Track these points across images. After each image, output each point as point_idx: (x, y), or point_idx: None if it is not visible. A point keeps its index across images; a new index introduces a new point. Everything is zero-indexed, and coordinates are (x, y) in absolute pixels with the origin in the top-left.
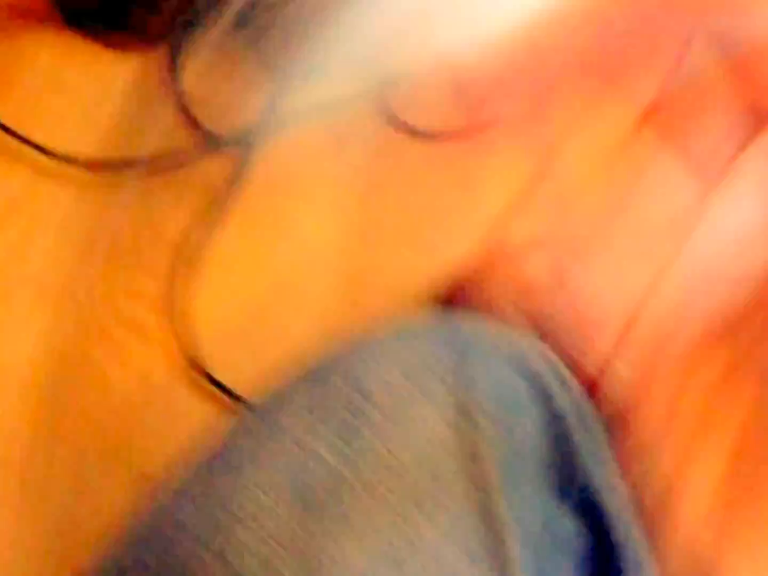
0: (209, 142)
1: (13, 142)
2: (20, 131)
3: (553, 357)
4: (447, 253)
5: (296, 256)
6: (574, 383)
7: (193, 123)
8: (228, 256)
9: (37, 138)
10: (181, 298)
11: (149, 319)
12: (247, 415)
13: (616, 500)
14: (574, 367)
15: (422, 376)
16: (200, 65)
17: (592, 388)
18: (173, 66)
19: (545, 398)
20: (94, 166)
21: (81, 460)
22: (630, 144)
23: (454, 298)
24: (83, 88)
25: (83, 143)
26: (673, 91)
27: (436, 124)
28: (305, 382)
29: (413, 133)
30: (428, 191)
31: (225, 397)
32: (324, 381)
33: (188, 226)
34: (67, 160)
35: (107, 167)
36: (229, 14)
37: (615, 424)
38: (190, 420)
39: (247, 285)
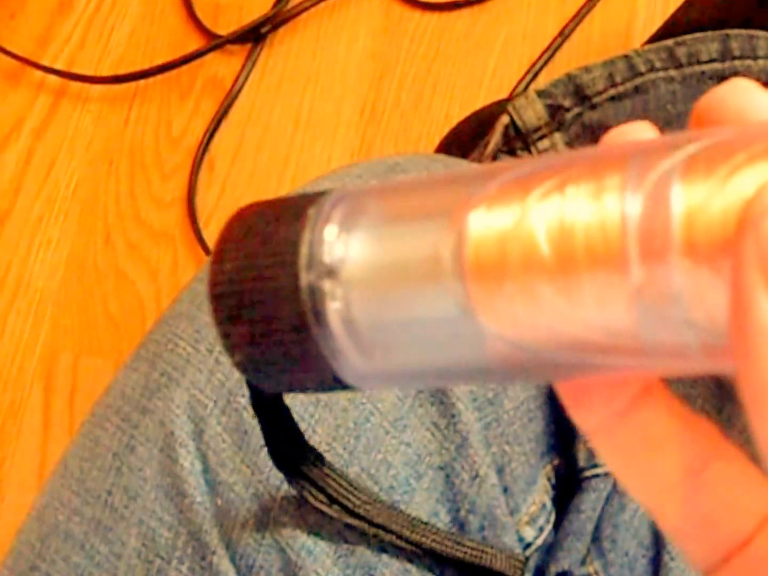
0: (217, 42)
1: (36, 72)
2: (37, 60)
3: None
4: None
5: (312, 144)
6: None
7: (200, 26)
8: (240, 149)
9: (57, 64)
10: (202, 200)
11: (174, 225)
12: None
13: None
14: None
15: None
16: None
17: None
18: None
19: None
20: (112, 81)
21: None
22: None
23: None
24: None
25: (101, 62)
26: None
27: None
28: None
29: (424, 6)
30: (441, 62)
31: None
32: None
33: (203, 130)
34: (87, 80)
35: (124, 81)
36: None
37: None
38: None
39: (261, 176)
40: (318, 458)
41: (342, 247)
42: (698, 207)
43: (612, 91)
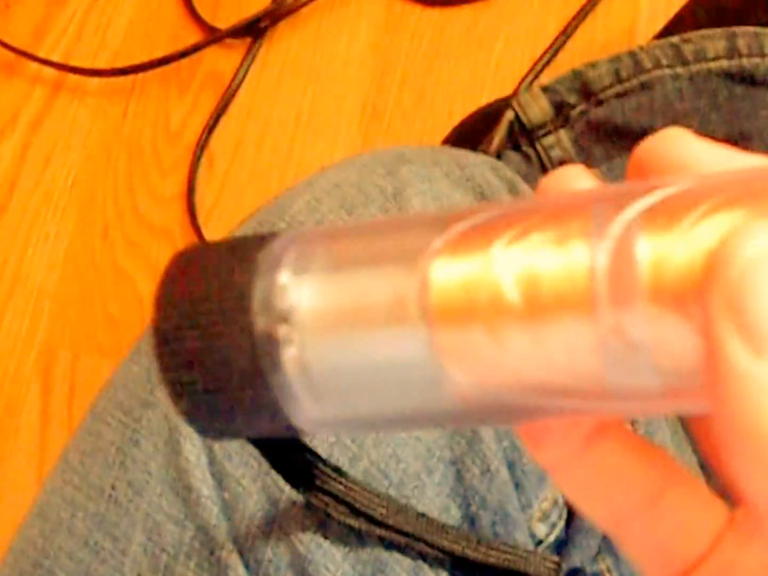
0: (216, 36)
1: (32, 64)
2: (33, 52)
3: (510, 174)
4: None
5: (313, 140)
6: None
7: (199, 20)
8: (240, 145)
9: (54, 56)
10: (201, 196)
11: (173, 222)
12: None
13: None
14: None
15: (363, 210)
16: None
17: None
18: None
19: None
20: (109, 74)
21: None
22: None
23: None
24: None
25: (98, 56)
26: None
27: None
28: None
29: (425, 1)
30: (443, 59)
31: None
32: (256, 219)
33: (202, 124)
34: (84, 72)
35: (122, 74)
36: None
37: None
38: None
39: (261, 172)
40: (336, 470)
41: (296, 291)
42: (664, 255)
43: (618, 88)
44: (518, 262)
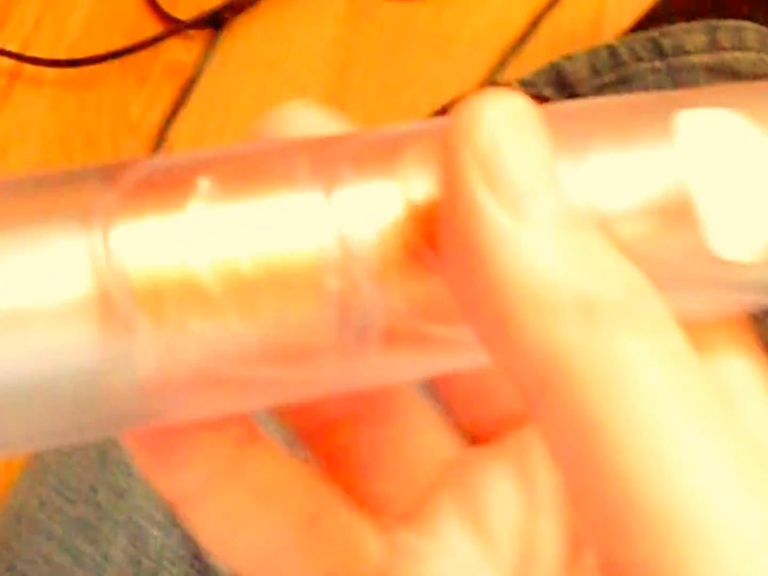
0: (176, 27)
1: None
2: None
3: None
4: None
5: None
6: None
7: (160, 10)
8: (199, 137)
9: (11, 45)
10: None
11: None
12: None
13: None
14: None
15: None
16: None
17: None
18: None
19: None
20: (68, 65)
21: None
22: None
23: None
24: None
25: (56, 46)
26: None
27: None
28: None
29: None
30: (407, 51)
31: None
32: None
33: (162, 116)
34: (42, 63)
35: (80, 65)
36: None
37: None
38: None
39: None
40: None
41: None
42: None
43: (596, 81)
44: (206, 225)
